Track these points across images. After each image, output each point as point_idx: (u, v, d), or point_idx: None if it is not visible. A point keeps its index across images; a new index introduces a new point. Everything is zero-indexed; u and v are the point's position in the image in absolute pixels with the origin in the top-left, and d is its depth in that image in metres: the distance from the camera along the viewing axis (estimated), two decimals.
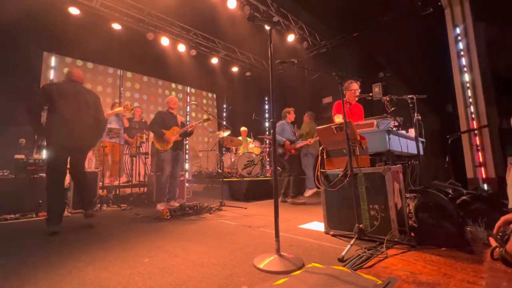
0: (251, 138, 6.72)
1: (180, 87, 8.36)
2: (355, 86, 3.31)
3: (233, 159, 6.19)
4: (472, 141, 4.42)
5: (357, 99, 3.36)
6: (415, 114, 2.78)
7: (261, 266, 1.53)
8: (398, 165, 2.18)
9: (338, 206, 2.25)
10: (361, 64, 6.25)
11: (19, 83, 4.84)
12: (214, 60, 7.56)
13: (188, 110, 8.48)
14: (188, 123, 4.09)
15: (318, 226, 2.60)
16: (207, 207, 3.66)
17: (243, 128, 6.92)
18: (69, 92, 2.81)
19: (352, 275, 1.36)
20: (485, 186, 4.17)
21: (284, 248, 1.80)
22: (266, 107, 9.11)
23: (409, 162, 3.28)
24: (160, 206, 3.58)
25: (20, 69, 5.01)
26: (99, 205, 4.05)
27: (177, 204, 3.66)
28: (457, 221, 1.82)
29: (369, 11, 5.59)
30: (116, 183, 4.93)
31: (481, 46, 4.48)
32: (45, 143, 2.81)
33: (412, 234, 1.99)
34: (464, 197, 2.25)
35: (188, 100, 8.51)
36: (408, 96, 2.76)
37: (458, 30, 4.70)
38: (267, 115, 9.02)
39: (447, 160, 3.81)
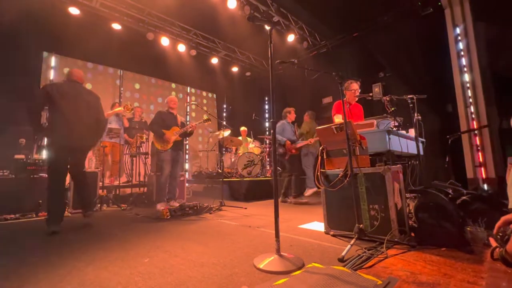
0: (251, 138, 6.72)
1: (180, 87, 8.36)
2: (355, 86, 3.31)
3: (233, 159, 6.19)
4: (472, 141, 4.42)
5: (357, 99, 3.36)
6: (415, 114, 2.78)
7: (261, 266, 1.53)
8: (398, 165, 2.18)
9: (338, 206, 2.25)
10: (361, 64, 6.25)
11: (19, 83, 4.83)
12: (214, 60, 7.56)
13: (188, 110, 8.49)
14: (188, 123, 4.09)
15: (318, 226, 2.60)
16: (207, 207, 3.66)
17: (243, 128, 6.92)
18: (69, 92, 2.81)
19: (352, 275, 1.36)
20: (485, 186, 4.16)
21: (284, 248, 1.80)
22: (266, 107, 9.12)
23: (409, 162, 3.27)
24: (160, 206, 3.59)
25: (20, 69, 5.01)
26: (99, 205, 4.05)
27: (177, 204, 3.66)
28: (457, 221, 1.81)
29: (369, 11, 5.59)
30: (116, 183, 4.93)
31: (481, 46, 4.47)
32: (45, 143, 2.82)
33: (412, 234, 1.99)
34: (464, 197, 2.25)
35: (188, 100, 8.51)
36: (408, 96, 2.76)
37: (458, 30, 4.70)
38: (267, 115, 9.03)
39: (447, 160, 3.81)
